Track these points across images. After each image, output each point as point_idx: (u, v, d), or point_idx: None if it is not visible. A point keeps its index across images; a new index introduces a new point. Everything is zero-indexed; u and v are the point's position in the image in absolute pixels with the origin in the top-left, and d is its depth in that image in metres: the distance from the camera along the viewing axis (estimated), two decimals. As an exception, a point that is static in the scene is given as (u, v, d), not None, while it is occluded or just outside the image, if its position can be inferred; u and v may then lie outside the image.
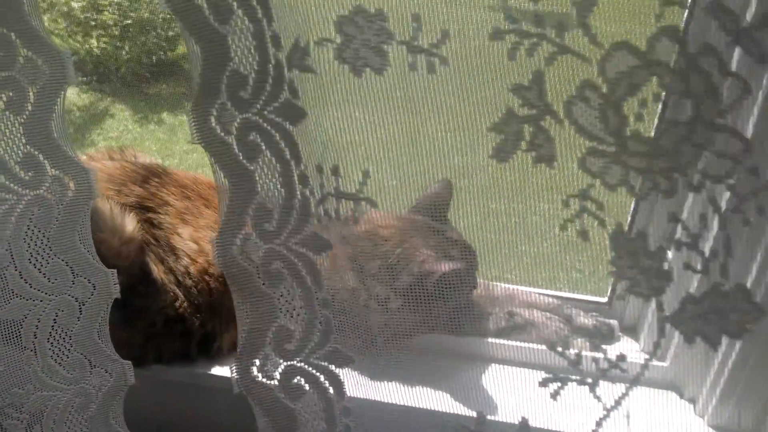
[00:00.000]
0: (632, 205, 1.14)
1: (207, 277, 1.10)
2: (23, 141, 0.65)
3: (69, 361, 0.70)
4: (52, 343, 0.68)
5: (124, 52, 3.89)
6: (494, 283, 1.28)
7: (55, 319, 0.67)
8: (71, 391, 0.70)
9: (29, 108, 0.65)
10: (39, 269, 0.66)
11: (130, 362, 0.74)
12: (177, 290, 1.08)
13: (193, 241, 1.11)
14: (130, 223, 1.06)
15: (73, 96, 3.97)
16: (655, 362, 1.16)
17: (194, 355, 1.11)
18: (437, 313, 1.10)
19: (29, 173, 0.66)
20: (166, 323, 1.07)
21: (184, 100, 4.05)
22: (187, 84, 4.20)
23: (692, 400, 1.09)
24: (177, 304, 1.07)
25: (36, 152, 0.66)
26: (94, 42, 3.85)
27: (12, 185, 0.65)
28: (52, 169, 0.66)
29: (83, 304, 0.69)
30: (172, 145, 3.69)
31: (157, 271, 1.08)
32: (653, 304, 1.16)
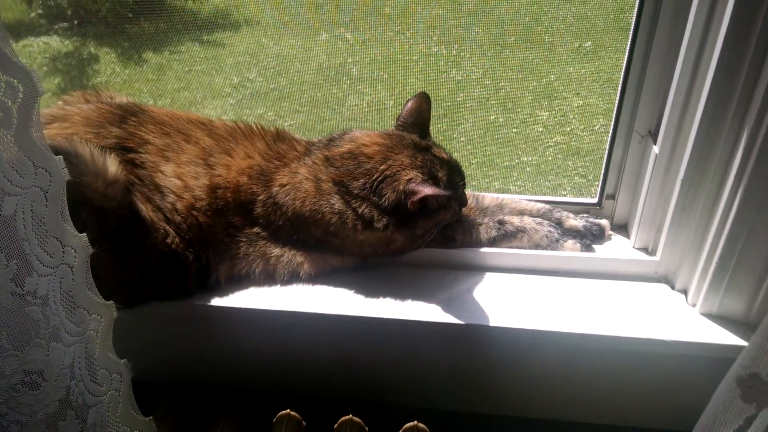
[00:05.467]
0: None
1: (195, 212, 1.06)
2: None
3: (49, 246, 0.75)
4: (35, 231, 0.73)
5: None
6: (483, 193, 1.26)
7: (32, 210, 0.72)
8: (57, 272, 0.76)
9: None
10: (12, 167, 0.69)
11: (85, 235, 0.79)
12: (167, 227, 1.04)
13: (177, 177, 1.06)
14: (113, 165, 1.01)
15: (57, 44, 3.85)
16: (646, 257, 1.16)
17: (192, 289, 1.09)
18: (423, 231, 1.07)
19: (-13, 80, 0.67)
20: (161, 260, 1.04)
21: (167, 37, 3.92)
22: (169, 20, 4.05)
23: (684, 291, 1.07)
24: (168, 240, 1.04)
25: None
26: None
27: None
28: (3, 75, 0.67)
29: (47, 192, 0.73)
30: (163, 84, 3.58)
31: (146, 210, 1.04)
32: (642, 202, 1.15)
